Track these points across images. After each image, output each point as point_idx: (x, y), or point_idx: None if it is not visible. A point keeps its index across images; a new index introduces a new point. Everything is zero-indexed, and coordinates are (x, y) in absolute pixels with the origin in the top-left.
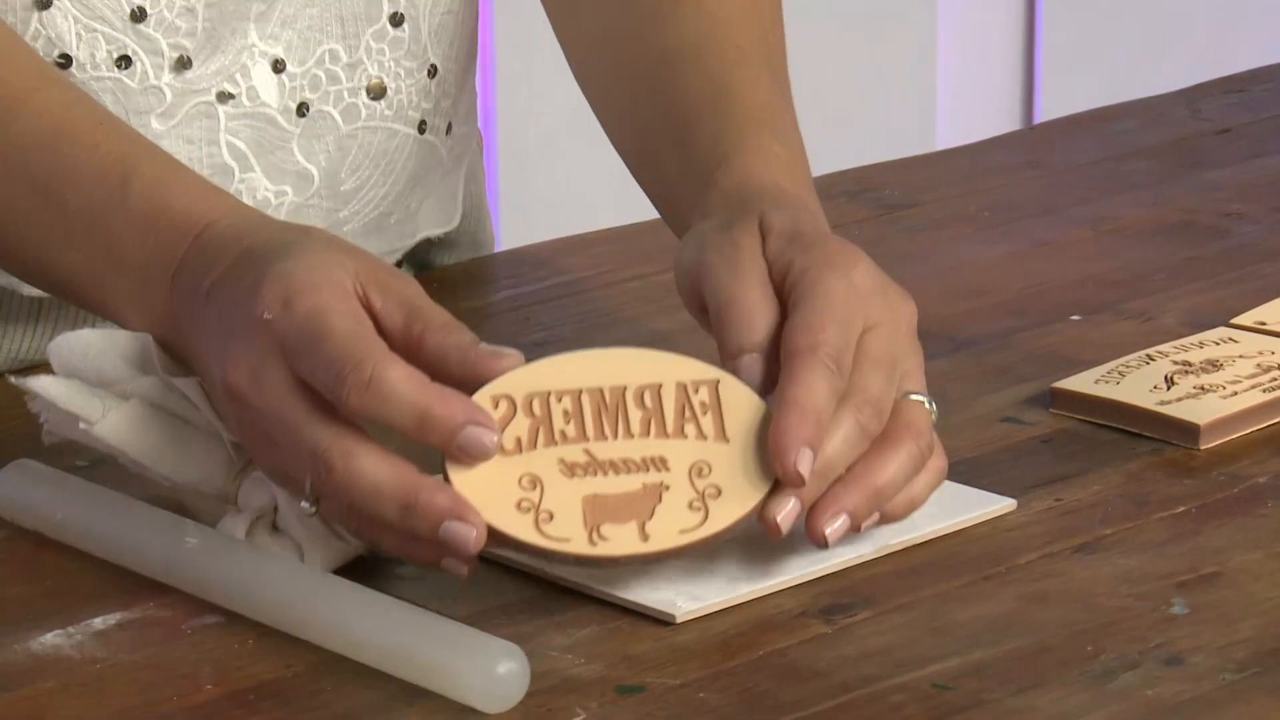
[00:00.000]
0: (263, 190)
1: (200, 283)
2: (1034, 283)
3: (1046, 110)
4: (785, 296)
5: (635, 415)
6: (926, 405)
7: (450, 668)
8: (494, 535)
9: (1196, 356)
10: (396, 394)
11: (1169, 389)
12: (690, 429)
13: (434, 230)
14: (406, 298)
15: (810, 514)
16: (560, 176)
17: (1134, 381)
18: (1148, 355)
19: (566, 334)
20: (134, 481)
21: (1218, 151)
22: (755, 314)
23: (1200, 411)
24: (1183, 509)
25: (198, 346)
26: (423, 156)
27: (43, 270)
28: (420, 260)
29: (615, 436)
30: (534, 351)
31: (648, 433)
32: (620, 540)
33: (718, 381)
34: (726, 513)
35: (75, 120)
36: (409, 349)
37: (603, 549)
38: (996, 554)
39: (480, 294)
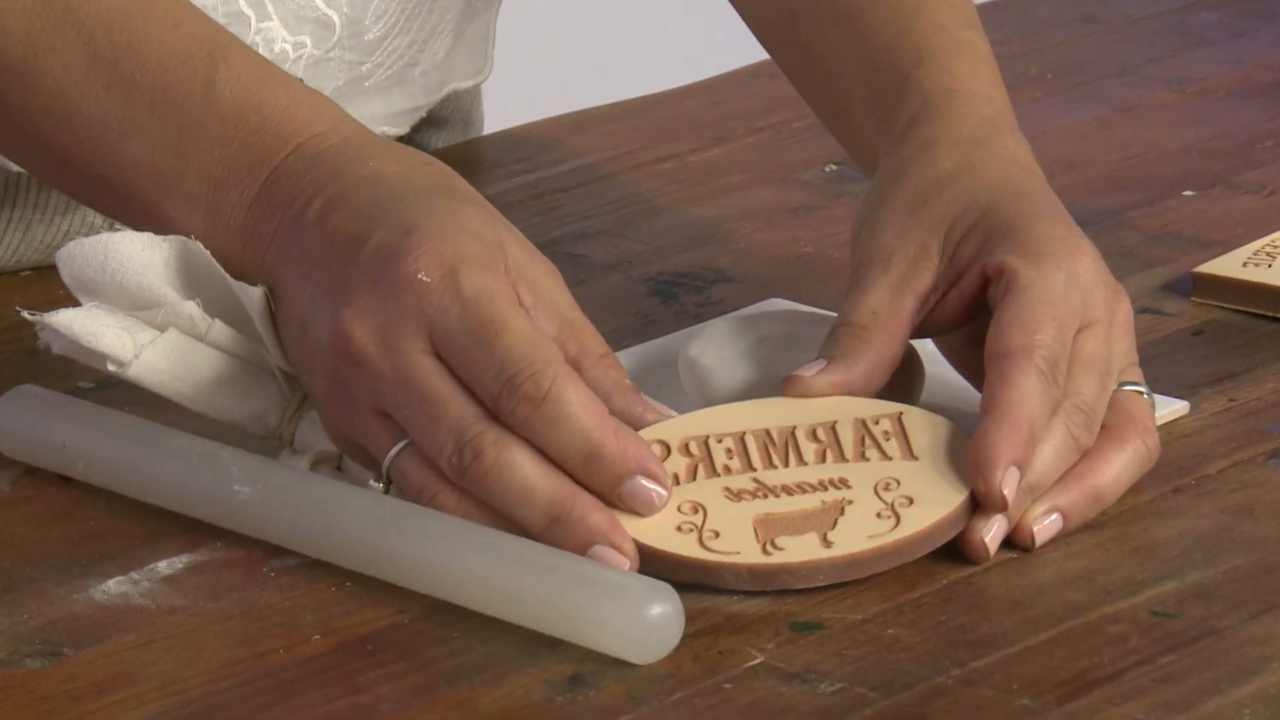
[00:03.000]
0: (280, 42)
1: (306, 200)
2: (1129, 154)
3: None
4: (991, 288)
5: (809, 448)
6: (1146, 397)
7: (592, 614)
8: (652, 557)
9: None
10: (571, 419)
11: None
12: (873, 454)
13: (464, 82)
14: (560, 308)
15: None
16: (540, 48)
17: None
18: None
19: (604, 224)
20: (155, 401)
21: None
22: (895, 341)
23: None
24: None
25: (286, 271)
26: None
27: (88, 163)
28: (407, 142)
29: (786, 466)
30: (573, 245)
31: (823, 460)
32: (799, 548)
33: (900, 413)
34: (923, 515)
35: None
36: None
37: (779, 558)
38: (1181, 463)
39: (492, 180)
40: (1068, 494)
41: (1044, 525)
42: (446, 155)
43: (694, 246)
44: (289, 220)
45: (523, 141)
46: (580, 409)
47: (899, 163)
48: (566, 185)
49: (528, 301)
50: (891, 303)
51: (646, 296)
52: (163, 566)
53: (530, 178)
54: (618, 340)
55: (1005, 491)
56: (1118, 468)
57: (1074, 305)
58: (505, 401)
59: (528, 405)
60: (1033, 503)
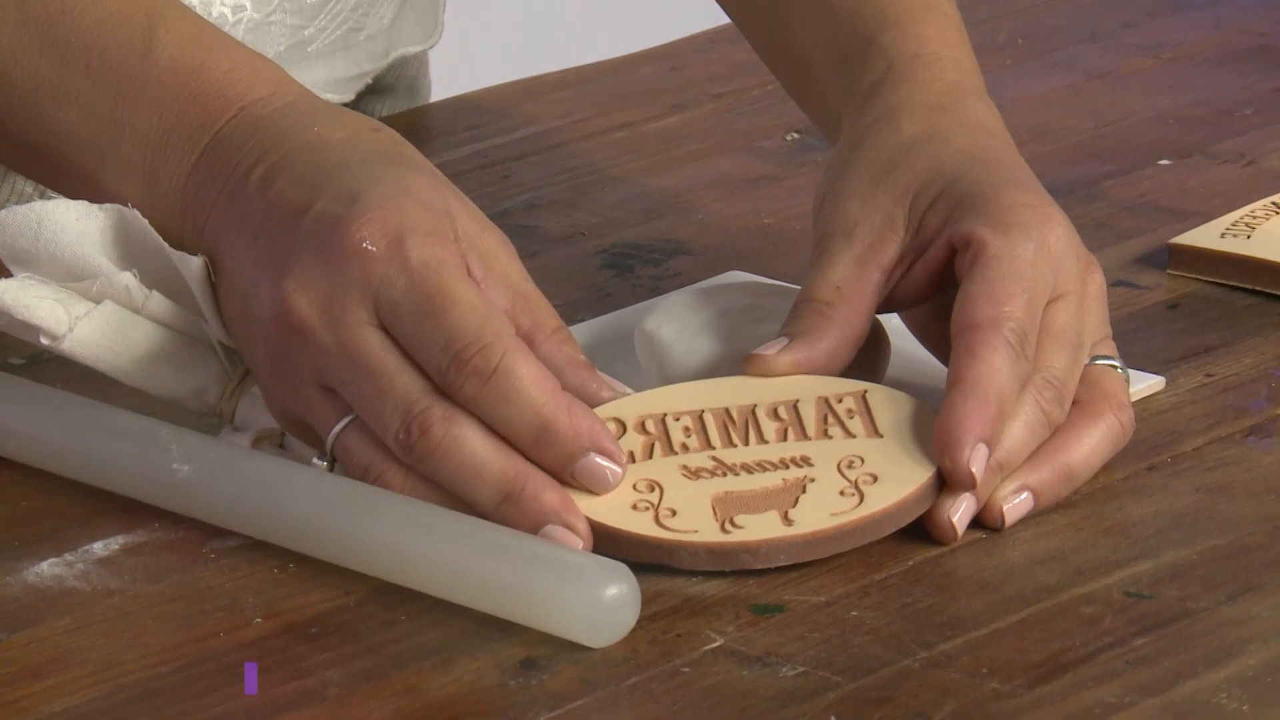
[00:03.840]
0: (219, 5)
1: (248, 167)
2: (1103, 122)
3: None
4: (958, 259)
5: (769, 426)
6: (1120, 371)
7: (545, 596)
8: (607, 536)
9: None
10: (522, 394)
11: None
12: (836, 431)
13: (413, 47)
14: (512, 280)
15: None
16: (491, 12)
17: (1267, 235)
18: (1275, 203)
19: (555, 195)
20: (91, 378)
21: None
22: (860, 316)
23: None
24: None
25: (227, 241)
26: None
27: (21, 130)
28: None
29: (746, 444)
30: (524, 216)
31: (785, 438)
32: (759, 527)
33: (865, 391)
34: (887, 493)
35: None
36: None
37: (738, 536)
38: (1156, 440)
39: (440, 149)
40: (1038, 472)
41: (1014, 504)
42: (393, 123)
43: (650, 218)
44: (230, 188)
45: (473, 109)
46: (531, 384)
47: (863, 130)
48: (517, 154)
49: (478, 273)
50: (856, 276)
51: (601, 269)
52: (98, 548)
53: (480, 146)
54: (572, 314)
55: (973, 469)
56: (1091, 444)
57: (1044, 276)
58: (453, 376)
59: (477, 380)
60: (1002, 481)
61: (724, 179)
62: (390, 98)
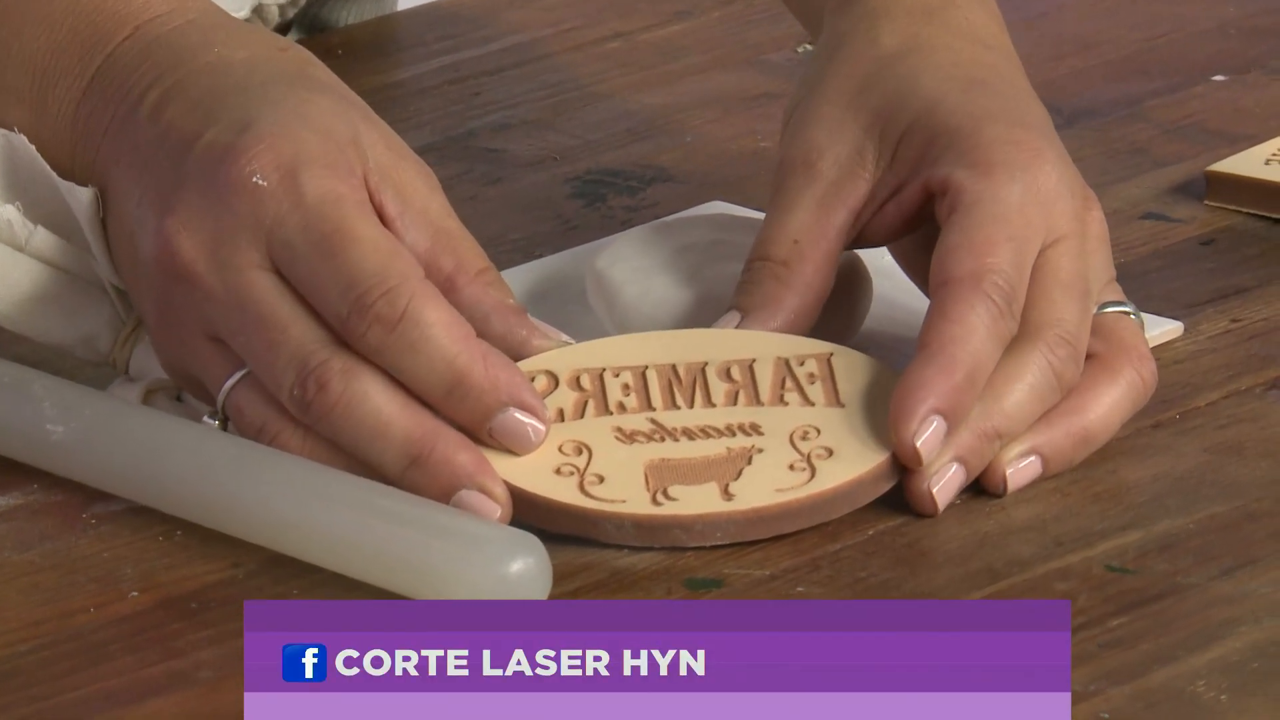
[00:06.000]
0: None
1: (140, 92)
2: (1155, 32)
3: None
4: (936, 205)
5: (719, 388)
6: (1134, 318)
7: (445, 570)
8: (525, 502)
9: None
10: (431, 342)
11: None
12: (793, 398)
13: None
14: (432, 215)
15: None
16: None
17: None
18: None
19: (531, 114)
20: None
21: None
22: (821, 274)
23: None
24: None
25: (118, 174)
26: None
27: None
28: (314, 20)
29: (691, 407)
30: (491, 138)
31: (735, 402)
32: (694, 500)
33: (830, 354)
34: (841, 470)
35: None
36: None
37: (670, 509)
38: (1166, 394)
39: (406, 62)
40: (1050, 432)
41: (1019, 469)
42: (358, 32)
43: (633, 140)
44: (121, 115)
45: (449, 17)
46: (442, 331)
47: (838, 37)
48: (492, 68)
49: (393, 210)
50: (817, 224)
51: (569, 199)
52: None
53: (450, 59)
54: (530, 250)
55: (918, 445)
56: (1109, 403)
57: (1033, 222)
58: (355, 324)
59: (380, 328)
60: (1009, 442)
61: (721, 96)
62: (356, 3)
